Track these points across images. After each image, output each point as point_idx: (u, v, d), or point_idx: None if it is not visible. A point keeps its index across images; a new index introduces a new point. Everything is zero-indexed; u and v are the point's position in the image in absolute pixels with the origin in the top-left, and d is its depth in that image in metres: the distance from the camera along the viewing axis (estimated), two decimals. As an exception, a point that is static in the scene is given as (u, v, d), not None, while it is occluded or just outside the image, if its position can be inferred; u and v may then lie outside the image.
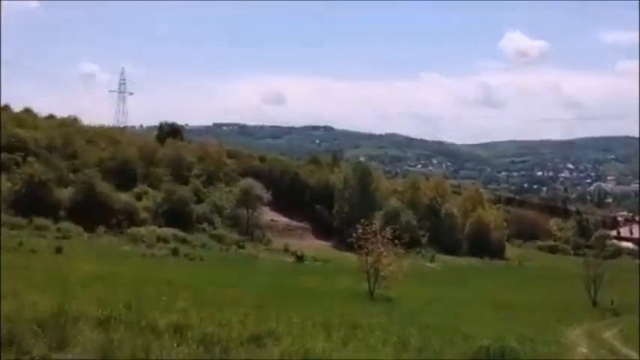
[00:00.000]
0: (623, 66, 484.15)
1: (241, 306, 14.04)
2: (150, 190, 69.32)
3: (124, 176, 68.23)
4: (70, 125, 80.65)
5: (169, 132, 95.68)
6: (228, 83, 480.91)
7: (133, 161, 72.64)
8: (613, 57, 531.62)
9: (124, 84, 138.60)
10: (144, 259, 46.36)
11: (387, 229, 30.59)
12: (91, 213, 56.79)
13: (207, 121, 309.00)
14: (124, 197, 63.67)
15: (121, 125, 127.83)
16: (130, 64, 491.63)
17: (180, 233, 60.73)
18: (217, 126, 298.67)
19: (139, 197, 66.86)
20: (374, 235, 29.40)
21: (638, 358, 13.80)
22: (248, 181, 75.31)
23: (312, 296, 23.07)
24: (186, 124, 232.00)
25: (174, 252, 53.09)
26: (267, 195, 76.18)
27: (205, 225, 67.86)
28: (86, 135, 76.88)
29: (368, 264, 29.55)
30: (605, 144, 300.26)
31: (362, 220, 31.07)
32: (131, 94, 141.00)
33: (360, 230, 29.77)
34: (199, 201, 71.64)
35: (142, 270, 27.04)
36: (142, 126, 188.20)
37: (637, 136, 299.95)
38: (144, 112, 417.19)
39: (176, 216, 63.73)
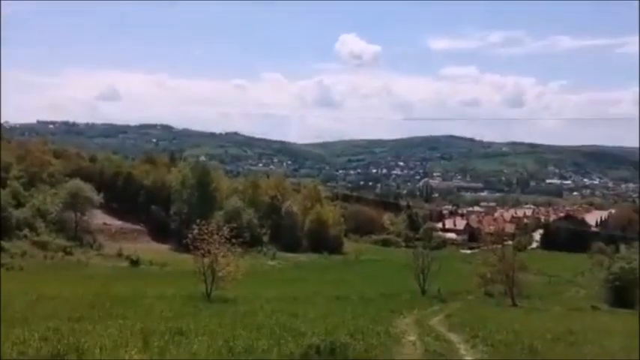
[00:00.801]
0: (447, 71, 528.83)
1: (54, 319, 12.50)
2: (-42, 195, 61.71)
3: None
4: None
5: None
6: (54, 78, 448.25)
7: None
8: (438, 63, 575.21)
9: None
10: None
11: (224, 228, 29.69)
12: None
13: (31, 119, 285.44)
14: None
15: None
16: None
17: (-4, 241, 54.69)
18: (42, 124, 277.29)
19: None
20: (210, 235, 28.38)
21: (458, 341, 14.41)
22: (76, 183, 69.85)
23: (142, 302, 21.61)
24: (6, 122, 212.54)
25: (-11, 262, 47.76)
26: (98, 197, 71.37)
27: (27, 231, 61.69)
28: None
29: (204, 265, 28.48)
30: (432, 143, 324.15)
31: (197, 221, 29.93)
32: None
33: (195, 231, 28.62)
34: (19, 205, 65.08)
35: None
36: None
37: (458, 135, 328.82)
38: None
39: (-9, 222, 57.26)
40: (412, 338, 14.58)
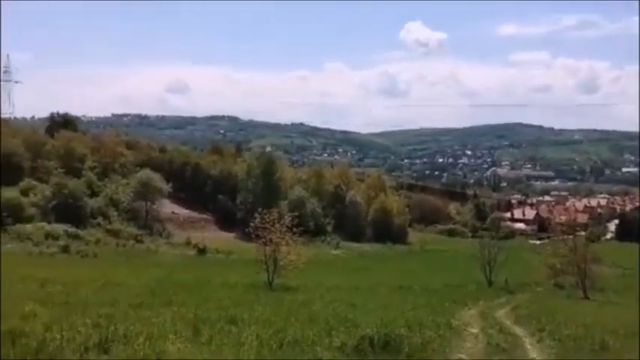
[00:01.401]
0: (515, 57, 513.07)
1: (114, 306, 12.75)
2: (38, 184, 64.71)
3: (7, 170, 63.18)
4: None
5: (61, 123, 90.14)
6: (127, 72, 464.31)
7: (17, 154, 67.52)
8: (506, 49, 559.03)
9: (9, 72, 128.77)
10: (29, 257, 43.08)
11: (286, 217, 29.82)
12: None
13: (106, 112, 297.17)
14: (8, 193, 58.91)
15: (8, 116, 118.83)
16: (19, 52, 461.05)
17: (72, 229, 56.96)
18: (117, 117, 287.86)
19: (25, 192, 62.04)
20: (272, 224, 28.55)
21: (524, 335, 13.79)
22: (146, 173, 71.97)
23: (203, 290, 21.92)
24: (84, 116, 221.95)
25: (65, 249, 49.98)
26: (167, 187, 73.24)
27: (100, 219, 64.15)
28: (-36, 126, 70.60)
29: (266, 253, 28.69)
30: (500, 131, 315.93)
31: (260, 209, 30.15)
32: (17, 82, 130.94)
33: (257, 219, 28.86)
34: (93, 194, 67.63)
35: (19, 269, 24.63)
36: (33, 117, 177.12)
37: (527, 122, 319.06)
38: (36, 104, 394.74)
39: (68, 211, 59.53)
40: (475, 331, 14.08)
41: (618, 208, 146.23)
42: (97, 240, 57.90)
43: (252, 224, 29.12)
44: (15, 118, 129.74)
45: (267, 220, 28.40)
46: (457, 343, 11.43)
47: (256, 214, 29.38)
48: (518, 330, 14.90)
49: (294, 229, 29.26)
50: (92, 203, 65.21)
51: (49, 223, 57.27)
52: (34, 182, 64.91)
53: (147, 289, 20.27)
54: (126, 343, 6.94)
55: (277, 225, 28.65)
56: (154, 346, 6.73)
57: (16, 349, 6.51)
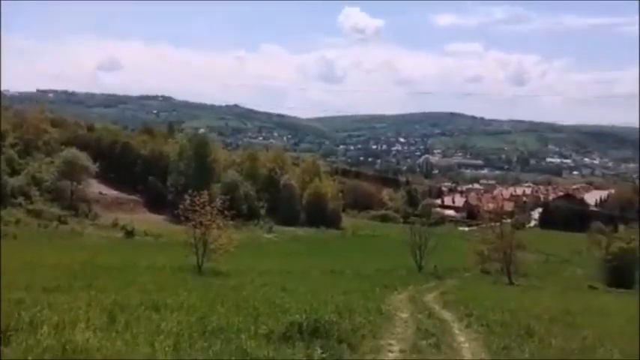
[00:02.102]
0: (451, 47, 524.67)
1: (28, 290, 11.88)
2: (-49, 162, 60.99)
3: None
4: None
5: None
6: (55, 46, 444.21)
7: None
8: (442, 39, 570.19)
9: None
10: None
11: (217, 199, 29.11)
12: None
13: (31, 87, 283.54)
14: None
15: None
16: None
17: (-10, 209, 54.16)
18: (42, 92, 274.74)
19: (-64, 170, 58.42)
20: (202, 206, 27.79)
21: (452, 320, 13.86)
22: (72, 151, 69.05)
23: (128, 274, 21.04)
24: (6, 90, 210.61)
25: (-19, 229, 47.20)
26: (94, 166, 70.57)
27: (21, 199, 61.15)
28: None
29: (196, 236, 27.94)
30: (433, 120, 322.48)
31: (189, 191, 29.31)
32: None
33: (187, 201, 28.04)
34: (14, 173, 64.38)
35: None
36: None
37: (460, 112, 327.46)
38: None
39: (-15, 190, 56.64)
40: (404, 316, 14.04)
41: (542, 197, 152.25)
42: (17, 220, 55.05)
43: (181, 206, 28.28)
44: None
45: (198, 202, 27.63)
46: (387, 329, 11.29)
47: (186, 196, 28.54)
48: (446, 315, 14.98)
49: (226, 212, 28.59)
50: (13, 182, 62.07)
51: (-35, 202, 54.14)
52: (-54, 160, 61.11)
53: (67, 272, 19.23)
54: (30, 331, 6.31)
55: (208, 207, 27.92)
56: (61, 334, 6.14)
57: None
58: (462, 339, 11.10)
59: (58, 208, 63.36)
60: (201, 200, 27.83)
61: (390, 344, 9.70)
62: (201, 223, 27.68)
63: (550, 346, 9.96)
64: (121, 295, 11.76)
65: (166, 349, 6.17)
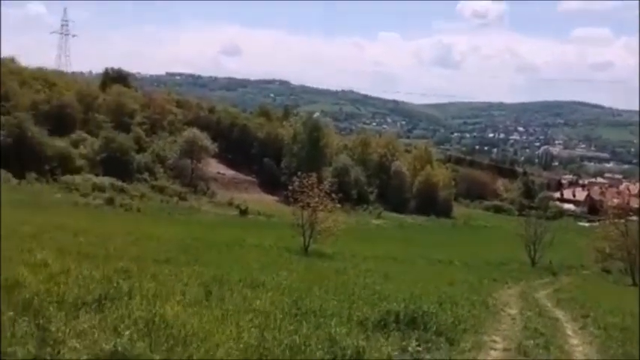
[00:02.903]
0: (577, 33, 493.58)
1: (137, 260, 12.40)
2: (88, 137, 65.83)
3: (60, 121, 64.47)
4: (3, 65, 75.23)
5: (115, 78, 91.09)
6: (184, 33, 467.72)
7: (70, 106, 68.60)
8: (567, 24, 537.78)
9: (67, 25, 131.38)
10: (75, 208, 43.93)
11: (325, 182, 29.26)
12: (21, 159, 53.52)
13: (161, 71, 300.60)
14: (59, 143, 60.19)
15: (64, 69, 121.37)
16: (79, 8, 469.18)
17: (118, 182, 57.97)
18: (170, 76, 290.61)
19: (75, 144, 63.27)
20: (311, 188, 28.03)
21: (565, 320, 12.90)
22: (193, 131, 72.36)
23: (235, 251, 21.63)
24: (138, 73, 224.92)
25: (110, 201, 50.83)
26: (213, 146, 73.52)
27: (146, 175, 65.18)
28: (20, 76, 71.87)
29: (303, 218, 28.26)
30: (555, 109, 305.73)
31: (299, 173, 29.65)
32: (74, 36, 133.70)
33: (296, 183, 28.39)
34: (140, 150, 68.57)
35: (54, 218, 24.87)
36: (90, 72, 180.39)
37: (585, 101, 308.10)
38: (96, 60, 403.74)
39: (115, 165, 60.52)
40: (512, 312, 13.28)
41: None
42: (142, 195, 58.75)
43: (290, 187, 28.68)
44: (73, 73, 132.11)
45: (306, 184, 27.88)
46: (492, 324, 10.66)
47: (294, 178, 28.89)
48: (559, 314, 14.01)
49: (333, 196, 28.65)
50: (139, 158, 66.20)
51: (97, 175, 58.38)
52: (84, 135, 66.03)
53: (179, 245, 20.06)
54: (123, 301, 6.47)
55: (316, 190, 28.10)
56: (153, 306, 6.23)
57: (9, 300, 6.11)
58: (574, 341, 10.26)
59: (179, 185, 66.89)
60: (310, 182, 28.05)
61: (494, 341, 9.12)
62: (308, 204, 27.93)
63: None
64: (223, 270, 11.97)
65: (252, 329, 6.07)
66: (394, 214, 78.98)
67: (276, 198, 74.48)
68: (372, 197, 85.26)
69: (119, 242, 17.27)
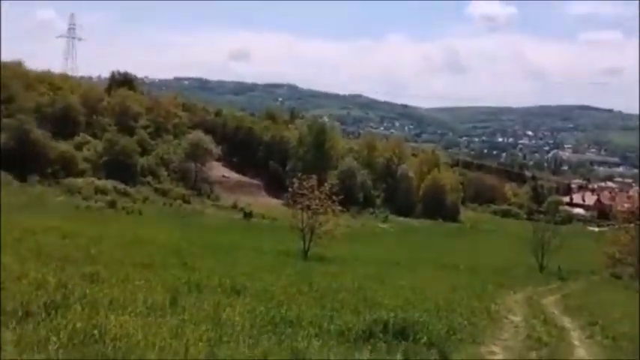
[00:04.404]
0: (587, 36, 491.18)
1: (119, 264, 11.74)
2: (92, 139, 65.44)
3: (64, 124, 64.09)
4: (8, 69, 74.95)
5: (121, 81, 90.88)
6: (192, 38, 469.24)
7: (74, 108, 68.21)
8: (577, 27, 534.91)
9: (74, 29, 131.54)
10: (76, 211, 43.42)
11: (325, 184, 28.53)
12: (24, 161, 53.14)
13: (168, 75, 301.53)
14: (63, 146, 59.81)
15: (71, 73, 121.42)
16: (89, 13, 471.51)
17: (121, 186, 57.52)
18: (178, 80, 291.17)
19: (79, 147, 62.90)
20: (311, 190, 27.33)
21: (572, 328, 12.14)
22: (197, 134, 71.98)
23: (232, 255, 20.92)
24: (146, 77, 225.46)
25: (112, 204, 50.37)
26: (216, 149, 73.11)
27: (150, 178, 64.68)
28: (25, 79, 71.57)
29: (302, 220, 27.54)
30: (565, 113, 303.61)
31: (299, 175, 28.97)
32: (80, 40, 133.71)
33: (296, 185, 27.71)
34: (144, 153, 68.06)
35: (48, 221, 24.26)
36: (99, 77, 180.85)
37: (595, 105, 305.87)
38: (106, 64, 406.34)
39: (118, 168, 60.02)
40: (516, 319, 12.55)
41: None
42: (145, 198, 58.29)
43: (290, 189, 28.02)
44: (82, 77, 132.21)
45: (306, 186, 27.18)
46: (492, 333, 9.92)
47: (294, 180, 28.22)
48: (566, 322, 13.25)
49: (334, 198, 27.92)
50: (143, 161, 65.72)
51: (100, 178, 57.93)
52: (88, 137, 65.67)
53: (172, 249, 19.39)
54: (69, 309, 5.79)
55: (317, 192, 27.39)
56: (96, 316, 5.54)
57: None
58: (580, 352, 9.52)
59: (183, 188, 66.31)
60: (310, 184, 27.35)
61: (492, 352, 8.41)
62: (308, 207, 27.22)
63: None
64: (206, 275, 11.27)
65: (203, 342, 5.34)
66: (401, 218, 78.20)
67: (281, 201, 73.61)
68: (378, 201, 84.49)
69: (104, 245, 16.59)
